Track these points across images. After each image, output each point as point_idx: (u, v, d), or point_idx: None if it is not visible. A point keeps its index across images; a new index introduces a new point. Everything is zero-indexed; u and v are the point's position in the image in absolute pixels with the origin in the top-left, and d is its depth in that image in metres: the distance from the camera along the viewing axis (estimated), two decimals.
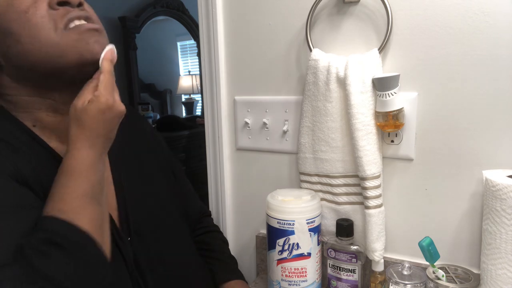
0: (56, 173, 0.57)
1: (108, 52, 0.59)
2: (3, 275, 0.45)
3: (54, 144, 0.63)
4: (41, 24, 0.55)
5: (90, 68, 0.58)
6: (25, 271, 0.46)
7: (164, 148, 0.88)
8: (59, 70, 0.58)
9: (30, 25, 0.55)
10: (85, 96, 0.56)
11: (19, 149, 0.57)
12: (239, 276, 0.87)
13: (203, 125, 1.07)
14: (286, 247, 0.80)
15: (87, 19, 0.59)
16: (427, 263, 0.73)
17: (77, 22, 0.58)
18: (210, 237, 0.92)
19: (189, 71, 5.44)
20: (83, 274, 0.49)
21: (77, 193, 0.52)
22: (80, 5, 0.59)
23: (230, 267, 0.89)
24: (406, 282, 0.74)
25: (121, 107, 0.58)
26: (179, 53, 5.55)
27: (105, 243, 0.54)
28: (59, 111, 0.62)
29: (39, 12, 0.55)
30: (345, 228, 0.83)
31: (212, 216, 1.02)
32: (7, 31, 0.56)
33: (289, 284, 0.81)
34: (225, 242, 0.94)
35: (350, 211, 0.85)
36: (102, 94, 0.55)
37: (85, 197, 0.53)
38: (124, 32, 4.29)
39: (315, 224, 0.81)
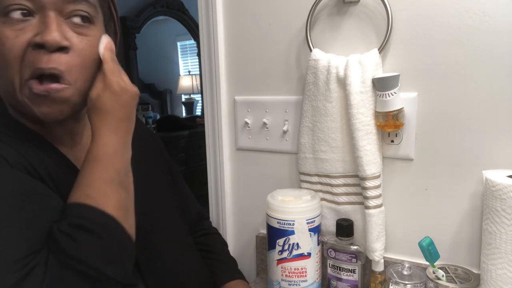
0: (59, 167, 0.59)
1: (107, 43, 0.60)
2: (36, 261, 0.46)
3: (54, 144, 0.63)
4: (11, 66, 0.54)
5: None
6: (56, 256, 0.48)
7: (162, 149, 0.88)
8: (21, 112, 0.59)
9: (1, 59, 0.54)
10: (97, 86, 0.58)
11: (25, 144, 0.58)
12: (239, 276, 0.87)
13: (203, 125, 1.07)
14: (286, 247, 0.80)
15: (52, 76, 0.54)
16: (427, 263, 0.73)
17: (32, 84, 0.54)
18: (209, 239, 0.92)
19: (189, 71, 5.43)
20: (111, 256, 0.51)
21: (104, 179, 0.54)
22: (63, 49, 0.54)
23: (231, 267, 0.89)
24: (406, 282, 0.74)
25: (133, 88, 0.60)
26: (179, 53, 5.55)
27: (131, 227, 0.56)
28: (44, 124, 0.62)
29: (15, 51, 0.53)
30: (345, 228, 0.83)
31: (212, 217, 1.02)
32: None
33: (289, 284, 0.81)
34: (224, 243, 0.94)
35: (350, 211, 0.85)
36: (112, 79, 0.57)
37: (111, 183, 0.54)
38: (124, 32, 4.29)
39: (315, 224, 0.81)
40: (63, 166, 0.61)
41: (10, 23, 0.53)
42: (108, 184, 0.54)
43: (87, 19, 0.58)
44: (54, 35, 0.53)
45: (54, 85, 0.55)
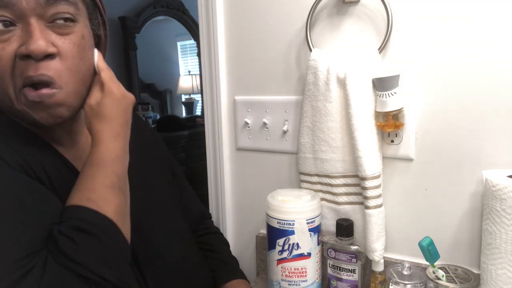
0: (57, 168, 0.59)
1: (100, 54, 0.63)
2: (34, 262, 0.47)
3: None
4: (2, 78, 0.54)
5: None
6: (55, 257, 0.48)
7: (164, 148, 0.88)
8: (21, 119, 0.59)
9: None
10: (96, 95, 0.60)
11: (23, 144, 0.58)
12: (241, 275, 0.87)
13: (203, 125, 1.07)
14: (286, 247, 0.80)
15: (40, 83, 0.55)
16: (427, 263, 0.73)
17: (26, 91, 0.55)
18: (211, 238, 0.92)
19: (189, 71, 5.43)
20: (110, 259, 0.52)
21: (105, 183, 0.55)
22: (49, 56, 0.54)
23: (232, 267, 0.89)
24: (406, 282, 0.74)
25: (131, 94, 0.63)
26: (179, 53, 5.55)
27: (127, 232, 0.57)
28: (43, 126, 0.61)
29: (2, 63, 0.53)
30: (345, 228, 0.83)
31: (212, 217, 1.02)
32: None
33: (289, 284, 0.81)
34: (225, 243, 0.94)
35: (350, 211, 0.85)
36: (112, 86, 0.60)
37: (112, 188, 0.55)
38: (124, 32, 4.28)
39: (315, 224, 0.81)
40: (61, 166, 0.61)
41: None
42: (109, 188, 0.55)
43: (70, 20, 0.57)
44: (39, 44, 0.53)
45: (45, 90, 0.55)
